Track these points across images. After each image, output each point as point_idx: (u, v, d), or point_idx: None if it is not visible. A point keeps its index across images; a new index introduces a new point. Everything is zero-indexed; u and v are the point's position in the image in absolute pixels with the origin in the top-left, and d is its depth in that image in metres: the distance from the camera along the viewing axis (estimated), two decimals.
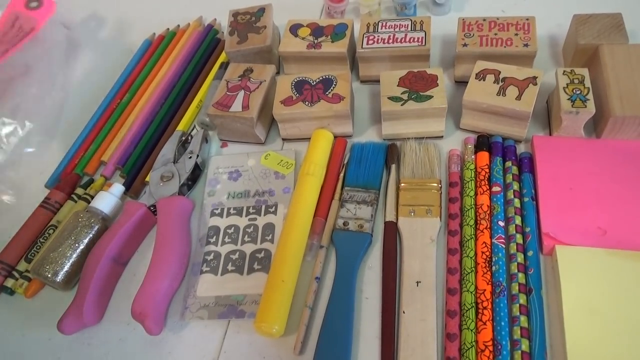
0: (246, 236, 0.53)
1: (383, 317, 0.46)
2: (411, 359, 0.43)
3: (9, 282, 0.53)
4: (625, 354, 0.41)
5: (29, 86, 0.66)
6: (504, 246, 0.48)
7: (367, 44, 0.61)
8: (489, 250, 0.47)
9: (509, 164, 0.52)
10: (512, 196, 0.50)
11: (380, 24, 0.63)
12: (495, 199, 0.50)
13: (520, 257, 0.46)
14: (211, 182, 0.58)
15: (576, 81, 0.52)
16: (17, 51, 0.66)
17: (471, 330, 0.43)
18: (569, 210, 0.48)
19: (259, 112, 0.57)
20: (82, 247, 0.52)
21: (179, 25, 0.76)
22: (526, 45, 0.57)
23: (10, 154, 0.63)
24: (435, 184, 0.52)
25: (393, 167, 0.54)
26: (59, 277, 0.50)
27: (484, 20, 0.60)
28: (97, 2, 0.84)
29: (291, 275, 0.48)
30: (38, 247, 0.54)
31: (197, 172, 0.58)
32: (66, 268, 0.51)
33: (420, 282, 0.46)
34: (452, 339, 0.43)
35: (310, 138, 0.57)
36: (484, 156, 0.53)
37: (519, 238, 0.48)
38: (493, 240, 0.48)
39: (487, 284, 0.45)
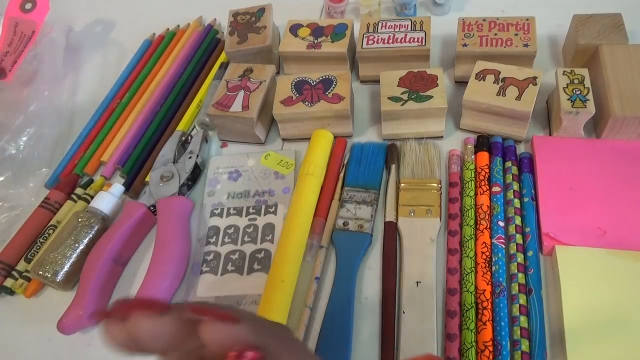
0: (246, 236, 0.53)
1: (383, 317, 0.46)
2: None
3: (9, 282, 0.53)
4: (625, 354, 0.41)
5: (41, 90, 0.66)
6: (503, 246, 0.48)
7: (367, 44, 0.61)
8: (489, 250, 0.47)
9: (508, 164, 0.52)
10: (512, 196, 0.50)
11: (380, 24, 0.63)
12: (495, 199, 0.50)
13: (520, 257, 0.46)
14: (211, 182, 0.58)
15: (576, 81, 0.52)
16: (25, 57, 0.67)
17: (471, 331, 0.43)
18: (569, 210, 0.48)
19: (259, 112, 0.57)
20: (81, 247, 0.52)
21: (179, 25, 0.76)
22: (526, 45, 0.57)
23: (12, 155, 0.63)
24: (435, 184, 0.52)
25: (393, 167, 0.54)
26: (59, 277, 0.50)
27: (484, 20, 0.60)
28: (96, 2, 0.84)
29: (291, 275, 0.48)
30: (38, 247, 0.54)
31: (197, 172, 0.58)
32: (66, 268, 0.51)
33: (420, 282, 0.46)
34: (452, 339, 0.43)
35: (310, 138, 0.57)
36: (483, 156, 0.53)
37: (518, 238, 0.48)
38: (493, 241, 0.48)
39: (487, 284, 0.45)
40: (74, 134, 0.65)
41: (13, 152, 0.62)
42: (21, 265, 0.54)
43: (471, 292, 0.45)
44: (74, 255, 0.52)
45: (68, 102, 0.70)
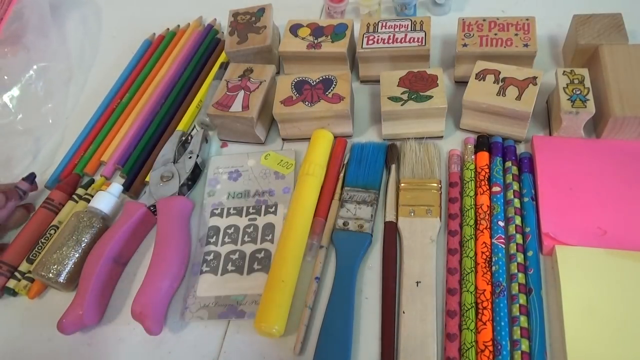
0: (246, 236, 0.53)
1: (383, 317, 0.46)
2: (411, 359, 0.43)
3: (11, 283, 0.53)
4: (625, 354, 0.41)
5: (31, 42, 0.68)
6: (503, 246, 0.48)
7: (367, 44, 0.61)
8: (489, 250, 0.47)
9: (508, 164, 0.52)
10: (512, 196, 0.50)
11: (380, 24, 0.63)
12: (495, 199, 0.50)
13: (520, 257, 0.46)
14: (211, 182, 0.58)
15: (576, 81, 0.52)
16: (10, 15, 0.68)
17: (471, 331, 0.43)
18: (569, 210, 0.48)
19: (259, 112, 0.57)
20: (83, 247, 0.52)
21: (179, 25, 0.76)
22: (526, 45, 0.57)
23: (11, 152, 0.64)
24: (435, 184, 0.52)
25: (393, 167, 0.54)
26: (62, 278, 0.50)
27: (484, 20, 0.60)
28: (96, 2, 0.84)
29: (291, 275, 0.48)
30: (40, 248, 0.54)
31: (197, 172, 0.58)
32: (68, 268, 0.51)
33: (420, 282, 0.46)
34: (452, 339, 0.43)
35: (310, 138, 0.57)
36: (483, 156, 0.53)
37: (518, 238, 0.48)
38: (493, 241, 0.48)
39: (487, 284, 0.45)
40: (74, 134, 0.65)
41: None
42: (24, 267, 0.53)
43: (471, 292, 0.45)
44: (76, 256, 0.52)
45: (67, 102, 0.71)
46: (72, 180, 0.60)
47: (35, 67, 0.68)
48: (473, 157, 0.54)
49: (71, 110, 0.70)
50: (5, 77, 0.66)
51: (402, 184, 0.52)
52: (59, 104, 0.69)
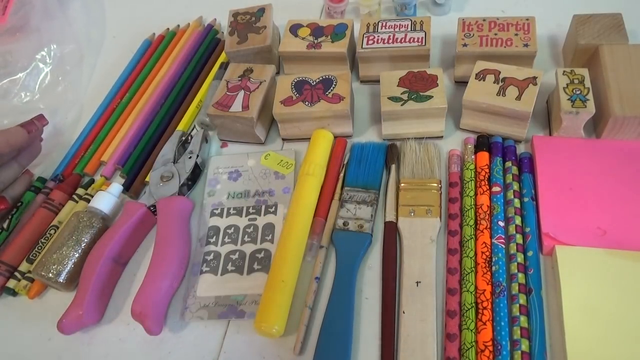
0: (246, 236, 0.53)
1: (383, 317, 0.46)
2: (411, 359, 0.43)
3: (11, 283, 0.53)
4: (625, 354, 0.41)
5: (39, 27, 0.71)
6: (503, 246, 0.48)
7: (367, 44, 0.61)
8: (489, 250, 0.47)
9: (508, 164, 0.52)
10: (512, 196, 0.50)
11: (380, 24, 0.63)
12: (495, 199, 0.50)
13: (520, 257, 0.46)
14: (211, 182, 0.58)
15: (576, 81, 0.52)
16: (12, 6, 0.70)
17: (471, 331, 0.43)
18: (569, 210, 0.48)
19: (259, 112, 0.57)
20: (83, 247, 0.52)
21: (179, 25, 0.76)
22: (526, 45, 0.57)
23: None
24: (435, 184, 0.52)
25: (393, 167, 0.54)
26: (62, 278, 0.50)
27: (484, 20, 0.60)
28: (97, 2, 0.84)
29: (291, 275, 0.48)
30: (40, 248, 0.54)
31: (197, 172, 0.58)
32: (68, 268, 0.51)
33: (420, 282, 0.46)
34: (452, 339, 0.43)
35: (310, 138, 0.57)
36: (483, 156, 0.53)
37: (518, 238, 0.48)
38: (493, 241, 0.48)
39: (487, 284, 0.45)
40: (74, 133, 0.65)
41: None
42: (23, 267, 0.53)
43: (471, 292, 0.45)
44: (76, 256, 0.52)
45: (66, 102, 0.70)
46: (73, 180, 0.60)
47: (46, 48, 0.70)
48: (473, 157, 0.54)
49: (70, 110, 0.70)
50: (24, 59, 0.68)
51: (402, 184, 0.52)
52: (74, 81, 0.70)
